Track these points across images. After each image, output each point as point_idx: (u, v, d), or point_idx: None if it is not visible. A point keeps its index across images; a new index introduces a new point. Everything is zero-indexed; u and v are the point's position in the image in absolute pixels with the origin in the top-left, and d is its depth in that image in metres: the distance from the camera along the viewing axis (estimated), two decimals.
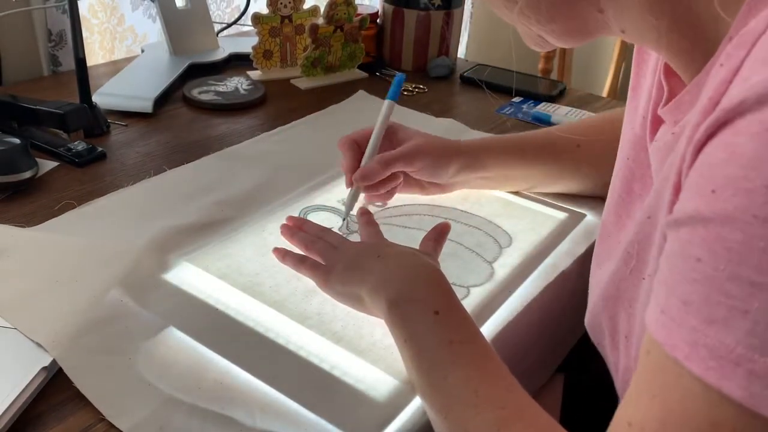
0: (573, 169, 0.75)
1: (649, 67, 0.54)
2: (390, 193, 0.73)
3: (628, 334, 0.50)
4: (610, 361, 0.55)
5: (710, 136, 0.34)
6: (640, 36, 0.44)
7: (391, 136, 0.73)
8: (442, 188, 0.75)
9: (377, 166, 0.69)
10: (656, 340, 0.34)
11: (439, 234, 0.64)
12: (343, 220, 0.71)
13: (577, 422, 0.69)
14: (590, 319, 0.58)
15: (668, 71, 0.48)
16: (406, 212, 0.74)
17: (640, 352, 0.37)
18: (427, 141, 0.72)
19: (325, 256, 0.61)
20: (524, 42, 0.50)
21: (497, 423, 0.44)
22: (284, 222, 0.68)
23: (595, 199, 0.77)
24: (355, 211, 0.70)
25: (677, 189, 0.38)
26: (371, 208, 0.74)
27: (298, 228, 0.67)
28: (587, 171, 0.75)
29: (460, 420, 0.45)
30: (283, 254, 0.64)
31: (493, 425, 0.44)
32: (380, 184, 0.70)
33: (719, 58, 0.36)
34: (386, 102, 0.73)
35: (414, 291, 0.53)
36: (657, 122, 0.50)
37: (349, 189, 0.71)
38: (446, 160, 0.71)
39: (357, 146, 0.71)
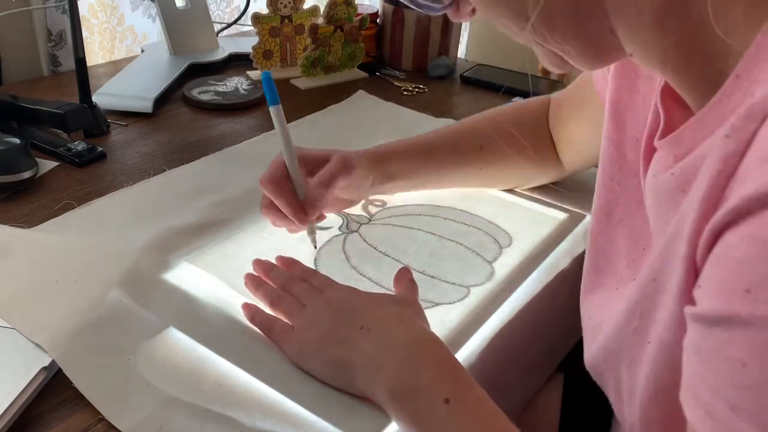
0: (475, 170, 0.75)
1: (641, 86, 0.53)
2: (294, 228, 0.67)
3: (631, 390, 0.48)
4: (615, 407, 0.53)
5: (731, 223, 0.33)
6: (647, 57, 0.43)
7: (302, 160, 0.65)
8: (350, 203, 0.73)
9: (321, 190, 0.63)
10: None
11: (406, 275, 0.59)
12: (315, 258, 0.66)
13: (577, 421, 0.69)
14: (590, 361, 0.55)
15: (666, 97, 0.47)
16: (406, 212, 0.74)
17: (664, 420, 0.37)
18: (346, 153, 0.67)
19: (293, 317, 0.55)
20: (541, 62, 0.48)
21: None
22: (251, 269, 0.62)
23: None
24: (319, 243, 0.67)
25: (693, 269, 0.37)
26: (371, 208, 0.74)
27: (265, 273, 0.61)
28: (489, 172, 0.76)
29: None
30: (252, 314, 0.57)
31: None
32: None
33: (725, 127, 0.35)
34: (272, 108, 0.64)
35: (417, 377, 0.46)
36: (652, 150, 0.48)
37: (308, 228, 0.65)
38: (368, 173, 0.69)
39: (285, 183, 0.64)
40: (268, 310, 0.57)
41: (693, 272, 0.37)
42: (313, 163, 0.66)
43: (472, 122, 0.76)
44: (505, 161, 0.75)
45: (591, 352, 0.54)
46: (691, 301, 0.36)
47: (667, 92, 0.47)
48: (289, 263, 0.63)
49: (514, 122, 0.75)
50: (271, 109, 0.64)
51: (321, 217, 0.69)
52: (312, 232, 0.65)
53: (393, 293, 0.59)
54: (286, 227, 0.67)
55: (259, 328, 0.56)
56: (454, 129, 0.77)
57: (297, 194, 0.63)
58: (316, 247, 0.66)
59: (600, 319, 0.54)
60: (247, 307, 0.57)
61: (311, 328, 0.53)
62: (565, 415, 0.69)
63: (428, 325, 0.53)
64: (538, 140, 0.74)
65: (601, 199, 0.56)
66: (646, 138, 0.49)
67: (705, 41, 0.39)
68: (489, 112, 0.77)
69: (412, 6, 0.50)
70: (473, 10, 0.47)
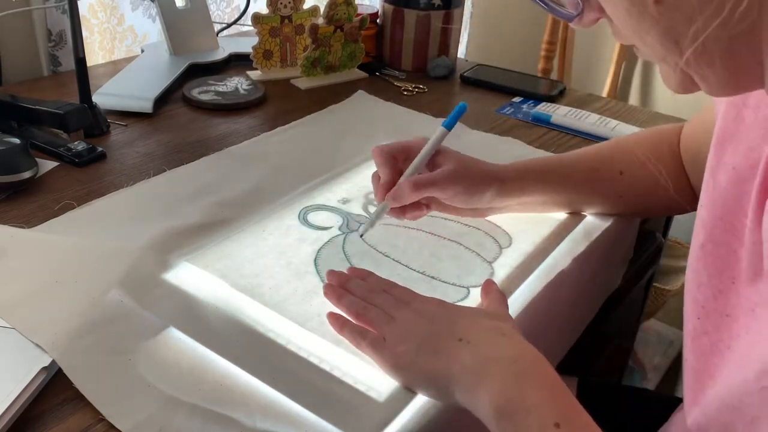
0: (615, 198, 0.73)
1: (747, 116, 0.51)
2: (414, 216, 0.69)
3: None
4: None
5: None
6: None
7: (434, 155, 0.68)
8: (477, 213, 0.72)
9: (408, 190, 0.65)
10: None
11: (492, 286, 0.59)
12: (363, 231, 0.68)
13: None
14: (697, 415, 0.53)
15: None
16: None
17: None
18: (463, 166, 0.67)
19: (382, 328, 0.53)
20: (663, 81, 0.46)
21: None
22: (325, 280, 0.61)
23: None
24: (375, 227, 0.68)
25: None
26: (371, 208, 0.74)
27: (342, 286, 0.59)
28: (629, 199, 0.73)
29: None
30: (341, 325, 0.56)
31: None
32: (407, 207, 0.68)
33: None
34: (440, 129, 0.68)
35: (525, 396, 0.45)
36: None
37: (379, 203, 0.67)
38: (482, 187, 0.67)
39: (394, 160, 0.67)
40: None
41: None
42: (433, 164, 0.68)
43: (614, 146, 0.74)
44: (645, 189, 0.71)
45: (699, 403, 0.52)
46: None
47: None
48: (364, 274, 0.61)
49: (653, 151, 0.71)
50: (440, 129, 0.68)
51: (405, 217, 0.69)
52: (376, 217, 0.67)
53: (482, 307, 0.58)
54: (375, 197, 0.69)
55: (349, 339, 0.54)
56: (596, 150, 0.74)
57: (399, 176, 0.66)
58: (361, 235, 0.68)
59: (705, 365, 0.52)
60: (335, 318, 0.56)
61: (406, 340, 0.51)
62: None
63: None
64: (674, 169, 0.71)
65: (707, 234, 0.53)
66: (765, 169, 0.47)
67: None
68: (625, 138, 0.75)
69: (542, 6, 0.47)
70: (597, 18, 0.45)
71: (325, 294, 0.60)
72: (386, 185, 0.66)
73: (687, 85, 0.44)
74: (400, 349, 0.51)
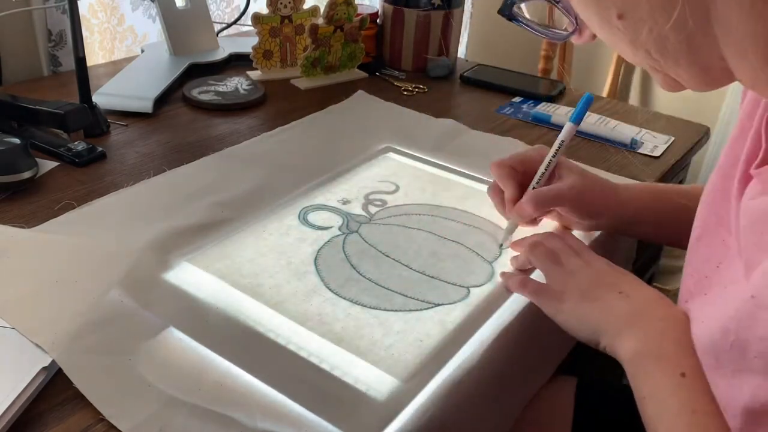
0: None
1: (747, 114, 0.53)
2: (532, 224, 0.71)
3: (726, 406, 0.49)
4: None
5: None
6: (755, 83, 0.44)
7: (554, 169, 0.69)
8: (585, 227, 0.72)
9: (531, 208, 0.66)
10: None
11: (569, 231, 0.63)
12: (500, 247, 0.69)
13: (590, 426, 0.69)
14: None
15: None
16: (406, 212, 0.74)
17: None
18: (586, 184, 0.67)
19: (551, 277, 0.59)
20: (661, 86, 0.49)
21: None
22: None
23: None
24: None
25: None
26: (371, 208, 0.75)
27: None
28: None
29: None
30: (506, 278, 0.62)
31: None
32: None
33: None
34: (567, 125, 0.66)
35: (662, 347, 0.50)
36: (749, 176, 0.49)
37: (508, 221, 0.69)
38: (601, 208, 0.68)
39: (514, 173, 0.68)
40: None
41: None
42: (554, 175, 0.68)
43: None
44: None
45: None
46: None
47: None
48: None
49: None
50: (567, 125, 0.66)
51: (533, 223, 0.70)
52: (508, 232, 0.69)
53: None
54: (501, 213, 0.71)
55: (513, 288, 0.61)
56: (690, 192, 0.72)
57: (521, 190, 0.67)
58: (501, 248, 0.69)
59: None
60: (504, 275, 0.63)
61: (570, 284, 0.57)
62: (578, 419, 0.69)
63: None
64: None
65: (702, 221, 0.56)
66: (744, 163, 0.50)
67: None
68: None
69: (537, 34, 0.51)
70: (595, 35, 0.48)
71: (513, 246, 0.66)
72: (512, 200, 0.67)
73: (672, 85, 0.48)
74: (562, 296, 0.57)
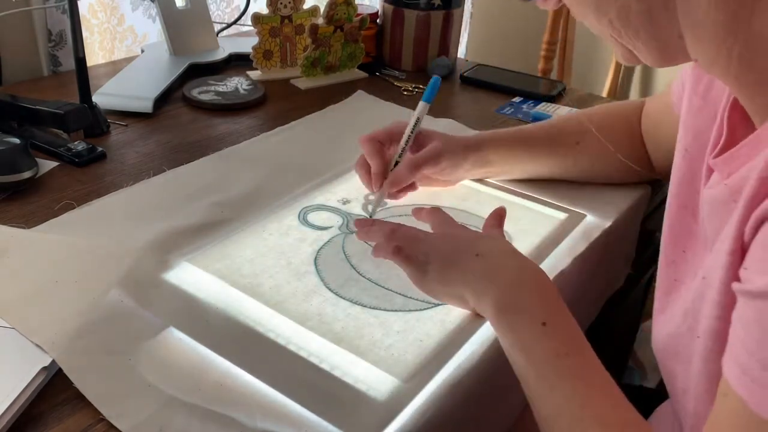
0: (571, 164, 0.79)
1: (702, 103, 0.55)
2: (404, 194, 0.75)
3: (685, 389, 0.52)
4: (672, 405, 0.59)
5: None
6: (710, 64, 0.45)
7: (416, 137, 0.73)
8: (448, 183, 0.78)
9: (406, 172, 0.70)
10: (738, 394, 0.39)
11: (499, 217, 0.64)
12: (370, 216, 0.71)
13: None
14: (660, 364, 0.59)
15: (733, 113, 0.49)
16: (406, 212, 0.74)
17: (717, 393, 0.41)
18: (447, 141, 0.74)
19: (411, 247, 0.60)
20: (615, 55, 0.52)
21: None
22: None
23: (595, 199, 0.77)
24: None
25: (739, 256, 0.42)
26: (371, 208, 0.74)
27: (368, 226, 0.67)
28: (583, 167, 0.79)
29: (564, 431, 0.47)
30: (376, 247, 0.63)
31: None
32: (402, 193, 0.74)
33: None
34: (420, 104, 0.72)
35: (521, 299, 0.53)
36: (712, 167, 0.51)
37: (376, 192, 0.71)
38: (462, 160, 0.74)
39: (381, 147, 0.72)
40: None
41: (739, 258, 0.42)
42: (416, 143, 0.73)
43: (569, 119, 0.80)
44: (600, 159, 0.77)
45: (657, 356, 0.59)
46: (738, 281, 0.41)
47: (735, 109, 0.49)
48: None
49: (608, 123, 0.77)
50: (420, 104, 0.72)
51: (401, 194, 0.74)
52: (377, 204, 0.71)
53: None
54: (366, 186, 0.73)
55: (383, 255, 0.61)
56: (551, 123, 0.82)
57: (389, 162, 0.71)
58: (371, 216, 0.71)
59: (656, 322, 0.58)
60: (361, 230, 0.66)
61: (432, 255, 0.59)
62: None
63: None
64: (629, 141, 0.77)
65: (673, 212, 0.59)
66: (709, 152, 0.52)
67: (766, 55, 0.42)
68: (584, 111, 0.82)
69: None
70: (559, 1, 0.50)
71: (357, 235, 0.67)
72: (380, 174, 0.71)
73: (629, 57, 0.50)
74: (426, 265, 0.58)
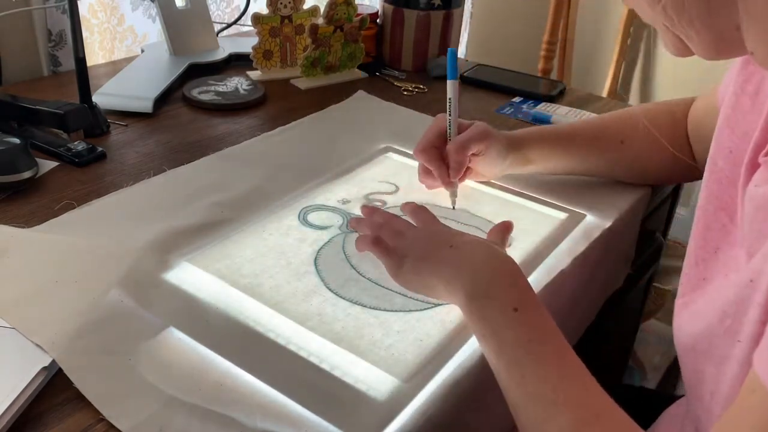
0: (614, 164, 0.79)
1: (751, 104, 0.54)
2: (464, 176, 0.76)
3: (714, 392, 0.51)
4: (691, 406, 0.58)
5: None
6: (766, 58, 0.43)
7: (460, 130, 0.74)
8: (487, 177, 0.78)
9: (456, 155, 0.71)
10: (765, 386, 0.37)
11: (505, 229, 0.65)
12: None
13: None
14: (682, 362, 0.58)
15: None
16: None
17: (742, 389, 0.40)
18: (486, 126, 0.74)
19: (392, 241, 0.62)
20: (663, 45, 0.49)
21: (574, 423, 0.45)
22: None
23: (596, 199, 0.77)
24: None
25: None
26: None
27: (367, 215, 0.69)
28: (627, 165, 0.79)
29: (537, 417, 0.47)
30: (358, 238, 0.65)
31: (569, 425, 0.45)
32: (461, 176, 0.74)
33: None
34: (449, 83, 0.74)
35: (491, 286, 0.54)
36: (756, 165, 0.50)
37: (450, 189, 0.74)
38: (505, 153, 0.74)
39: (435, 151, 0.73)
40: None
41: None
42: (458, 131, 0.74)
43: (612, 117, 0.80)
44: (644, 157, 0.77)
45: (679, 351, 0.58)
46: None
47: None
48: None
49: (653, 120, 0.77)
50: (449, 83, 0.74)
51: (463, 178, 0.75)
52: (453, 195, 0.74)
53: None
54: (436, 187, 0.76)
55: (365, 246, 0.64)
56: (593, 122, 0.82)
57: (444, 159, 0.73)
58: (454, 208, 0.74)
59: (680, 319, 0.57)
60: (356, 221, 0.68)
61: (409, 249, 0.60)
62: None
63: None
64: (675, 139, 0.76)
65: (705, 210, 0.58)
66: (752, 150, 0.50)
67: None
68: (629, 109, 0.81)
69: None
70: None
71: (350, 223, 0.69)
72: (444, 174, 0.72)
73: (680, 48, 0.48)
74: (402, 258, 0.60)
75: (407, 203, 0.70)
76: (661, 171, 0.79)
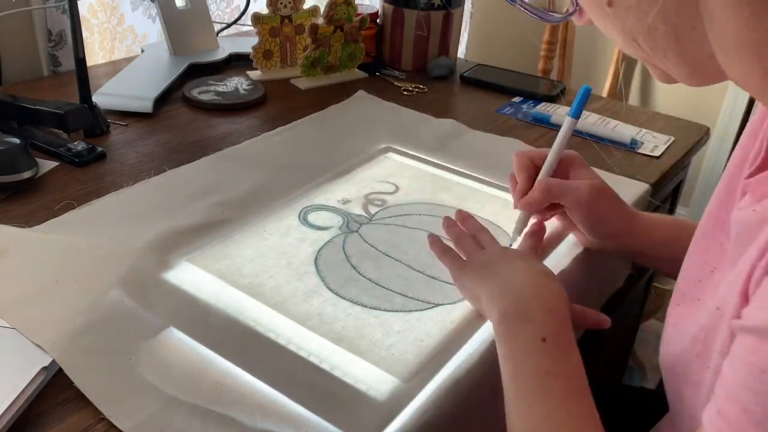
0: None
1: (760, 126, 0.52)
2: (545, 218, 0.70)
3: (692, 416, 0.50)
4: (677, 429, 0.56)
5: None
6: (744, 82, 0.43)
7: (567, 165, 0.68)
8: (590, 243, 0.70)
9: (537, 195, 0.65)
10: None
11: (535, 236, 0.66)
12: (512, 242, 0.69)
13: None
14: (665, 381, 0.57)
15: None
16: (406, 212, 0.74)
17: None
18: (602, 191, 0.66)
19: (468, 254, 0.63)
20: (653, 75, 0.48)
21: None
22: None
23: None
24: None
25: (745, 293, 0.41)
26: (371, 208, 0.75)
27: (461, 221, 0.69)
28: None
29: None
30: (432, 241, 0.66)
31: None
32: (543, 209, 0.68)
33: None
34: (567, 119, 0.66)
35: (529, 310, 0.53)
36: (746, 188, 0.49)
37: (519, 212, 0.69)
38: (614, 226, 0.66)
39: (531, 164, 0.68)
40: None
41: (745, 300, 0.40)
42: (570, 174, 0.67)
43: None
44: None
45: (663, 371, 0.57)
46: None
47: None
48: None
49: None
50: (567, 119, 0.67)
51: (545, 218, 0.70)
52: (520, 223, 0.68)
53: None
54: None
55: (434, 252, 0.65)
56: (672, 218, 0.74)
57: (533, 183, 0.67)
58: (510, 245, 0.68)
59: (666, 335, 0.56)
60: (431, 236, 0.67)
61: (478, 258, 0.61)
62: None
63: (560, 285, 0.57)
64: None
65: (701, 230, 0.57)
66: (746, 170, 0.49)
67: None
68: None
69: (532, 15, 0.52)
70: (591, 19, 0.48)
71: (443, 224, 0.69)
72: (522, 191, 0.67)
73: (664, 77, 0.47)
74: (467, 264, 0.62)
75: (468, 216, 0.69)
76: None
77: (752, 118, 0.54)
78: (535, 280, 0.56)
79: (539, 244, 0.67)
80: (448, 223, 0.69)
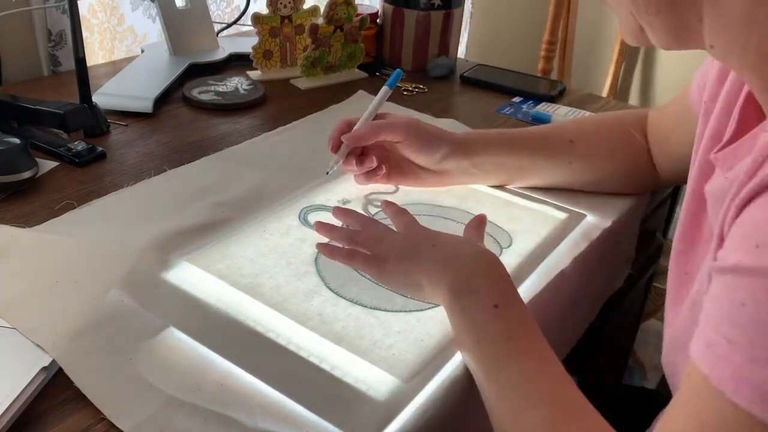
0: (565, 163, 0.76)
1: (719, 107, 0.54)
2: (369, 176, 0.75)
3: None
4: None
5: (755, 195, 0.38)
6: (726, 52, 0.44)
7: (380, 117, 0.75)
8: (436, 177, 0.75)
9: (365, 130, 0.71)
10: (701, 371, 0.38)
11: (479, 223, 0.65)
12: (327, 173, 0.74)
13: None
14: (664, 359, 0.59)
15: (746, 106, 0.49)
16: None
17: (682, 374, 0.41)
18: (416, 121, 0.73)
19: (372, 248, 0.61)
20: (621, 32, 0.50)
21: (547, 420, 0.46)
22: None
23: (595, 199, 0.77)
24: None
25: (721, 239, 0.43)
26: (371, 208, 0.75)
27: (342, 218, 0.67)
28: (579, 166, 0.76)
29: (511, 413, 0.48)
30: (330, 251, 0.63)
31: (542, 421, 0.46)
32: (360, 162, 0.73)
33: None
34: (383, 88, 0.77)
35: (474, 282, 0.54)
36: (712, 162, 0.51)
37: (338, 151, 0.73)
38: (435, 141, 0.72)
39: (349, 126, 0.73)
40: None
41: (721, 243, 0.43)
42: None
43: (560, 123, 0.80)
44: (596, 158, 0.76)
45: (664, 348, 0.59)
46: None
47: (749, 103, 0.49)
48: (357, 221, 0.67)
49: (599, 126, 0.77)
50: (383, 88, 0.77)
51: (362, 177, 0.75)
52: (335, 162, 0.73)
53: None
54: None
55: (340, 260, 0.62)
56: (540, 127, 0.81)
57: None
58: (328, 173, 0.74)
59: (667, 316, 0.58)
60: (324, 247, 0.64)
61: (391, 253, 0.59)
62: None
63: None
64: (628, 148, 0.75)
65: (685, 208, 0.59)
66: (722, 144, 0.51)
67: None
68: (576, 117, 0.81)
69: None
70: None
71: (317, 229, 0.66)
72: (335, 138, 0.73)
73: (638, 36, 0.48)
74: (385, 259, 0.59)
75: (389, 203, 0.69)
76: (614, 178, 0.76)
77: (724, 93, 0.55)
78: (467, 251, 0.58)
79: (482, 232, 0.66)
80: (327, 227, 0.66)
